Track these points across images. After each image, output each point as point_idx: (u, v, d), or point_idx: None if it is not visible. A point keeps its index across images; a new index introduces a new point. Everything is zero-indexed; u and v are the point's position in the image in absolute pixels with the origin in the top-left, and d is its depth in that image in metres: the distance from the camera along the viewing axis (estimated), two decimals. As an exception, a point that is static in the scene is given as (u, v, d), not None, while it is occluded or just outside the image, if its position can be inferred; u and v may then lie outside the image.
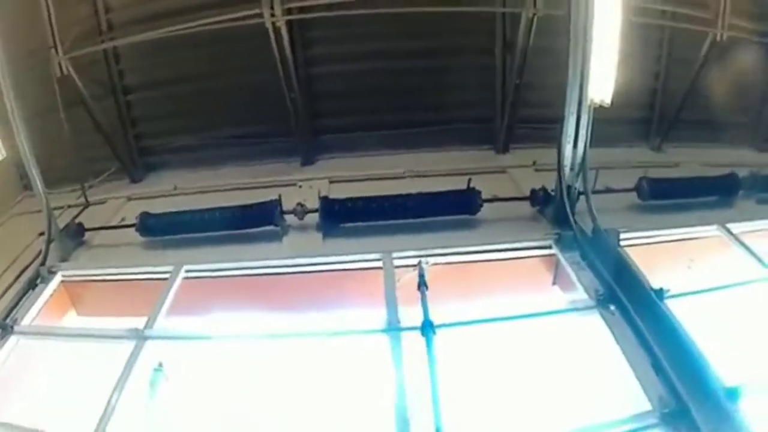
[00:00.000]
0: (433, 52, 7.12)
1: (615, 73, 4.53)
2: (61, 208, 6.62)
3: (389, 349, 4.00)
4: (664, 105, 7.53)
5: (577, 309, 4.37)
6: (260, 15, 6.35)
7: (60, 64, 6.53)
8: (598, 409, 3.69)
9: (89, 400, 4.04)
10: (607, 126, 5.72)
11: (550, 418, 3.72)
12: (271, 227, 5.78)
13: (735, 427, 3.17)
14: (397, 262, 4.99)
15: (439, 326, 4.10)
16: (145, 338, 4.48)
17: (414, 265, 5.00)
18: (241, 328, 4.74)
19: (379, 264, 5.01)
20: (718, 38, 6.89)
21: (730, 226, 5.56)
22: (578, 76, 4.61)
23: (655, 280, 4.35)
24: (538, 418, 3.93)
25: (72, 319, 5.65)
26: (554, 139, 5.15)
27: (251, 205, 5.86)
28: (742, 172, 6.32)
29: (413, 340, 4.05)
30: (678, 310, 4.09)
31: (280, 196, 5.86)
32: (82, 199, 7.03)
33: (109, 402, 3.95)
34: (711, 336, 3.89)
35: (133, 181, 7.75)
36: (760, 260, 5.12)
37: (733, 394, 3.36)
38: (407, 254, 5.09)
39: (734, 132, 7.66)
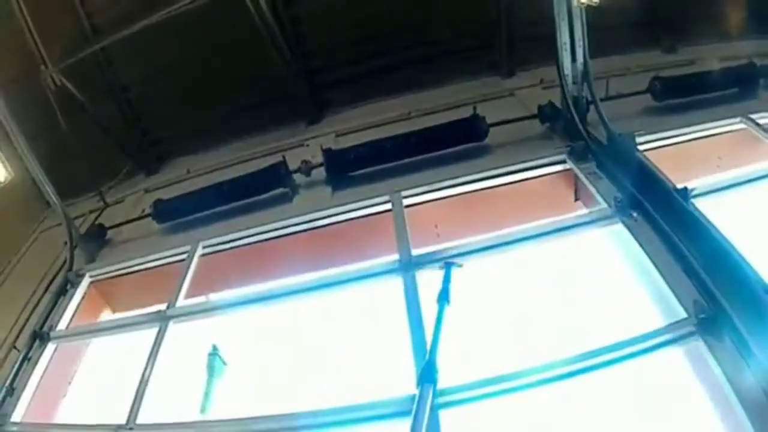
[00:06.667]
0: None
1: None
2: (83, 215, 6.87)
3: (402, 288, 3.91)
4: (671, 3, 7.08)
5: (595, 220, 4.20)
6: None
7: (52, 77, 6.50)
8: (632, 322, 3.47)
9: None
10: (616, 32, 5.49)
11: (581, 337, 3.56)
12: (280, 190, 5.81)
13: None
14: (406, 201, 4.92)
15: (452, 256, 4.05)
16: (168, 318, 4.56)
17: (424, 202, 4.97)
18: (260, 293, 4.70)
19: (389, 206, 4.93)
20: None
21: (755, 117, 5.24)
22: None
23: (682, 183, 4.10)
24: (569, 337, 3.76)
25: (108, 318, 5.78)
26: (558, 55, 4.93)
27: (257, 172, 5.92)
28: (764, 61, 5.95)
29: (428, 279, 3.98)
30: (708, 209, 3.87)
31: (284, 156, 5.89)
32: (101, 203, 7.16)
33: (139, 386, 4.03)
34: (747, 233, 3.68)
35: (149, 174, 7.83)
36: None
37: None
38: (416, 191, 5.02)
39: (752, 23, 7.24)
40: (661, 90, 5.67)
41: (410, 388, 3.17)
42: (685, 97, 5.70)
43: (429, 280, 3.95)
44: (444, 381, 3.16)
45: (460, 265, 3.96)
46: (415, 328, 3.56)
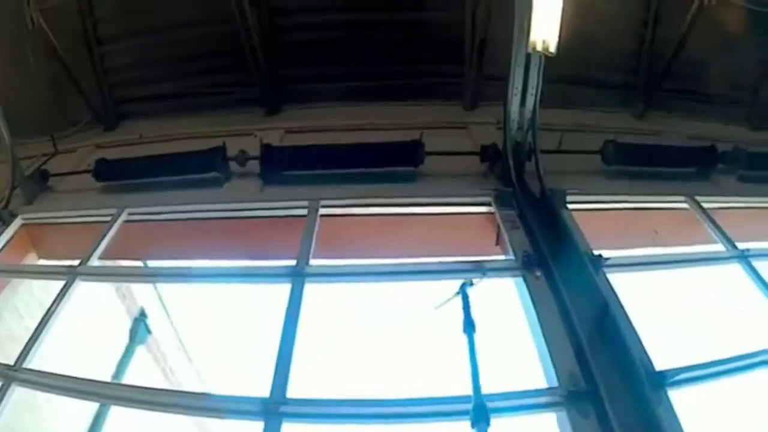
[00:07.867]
0: (402, 4, 6.87)
1: (560, 20, 4.16)
2: (33, 157, 6.81)
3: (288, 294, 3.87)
4: (650, 70, 6.93)
5: (500, 269, 4.13)
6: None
7: (32, 16, 6.47)
8: (507, 378, 3.44)
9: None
10: (589, 88, 5.39)
11: (451, 376, 3.46)
12: (213, 174, 5.75)
13: (651, 415, 2.86)
14: (323, 211, 4.89)
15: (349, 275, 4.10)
16: (77, 275, 4.55)
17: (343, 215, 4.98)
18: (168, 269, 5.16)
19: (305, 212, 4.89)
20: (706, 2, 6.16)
21: (700, 199, 5.22)
22: (525, 26, 4.23)
23: (609, 250, 4.09)
24: (439, 373, 3.68)
25: (32, 261, 5.87)
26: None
27: (196, 152, 5.90)
28: (725, 147, 5.88)
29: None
30: (620, 282, 3.85)
31: (224, 143, 5.82)
32: (53, 149, 7.14)
33: (34, 333, 4.04)
34: (653, 316, 3.59)
35: (106, 129, 7.71)
36: (725, 238, 4.76)
37: (658, 380, 3.11)
38: (335, 202, 4.99)
39: (727, 107, 7.16)
40: (613, 154, 5.55)
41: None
42: (635, 165, 5.62)
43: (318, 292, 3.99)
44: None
45: (473, 284, 3.87)
46: (286, 336, 3.53)
